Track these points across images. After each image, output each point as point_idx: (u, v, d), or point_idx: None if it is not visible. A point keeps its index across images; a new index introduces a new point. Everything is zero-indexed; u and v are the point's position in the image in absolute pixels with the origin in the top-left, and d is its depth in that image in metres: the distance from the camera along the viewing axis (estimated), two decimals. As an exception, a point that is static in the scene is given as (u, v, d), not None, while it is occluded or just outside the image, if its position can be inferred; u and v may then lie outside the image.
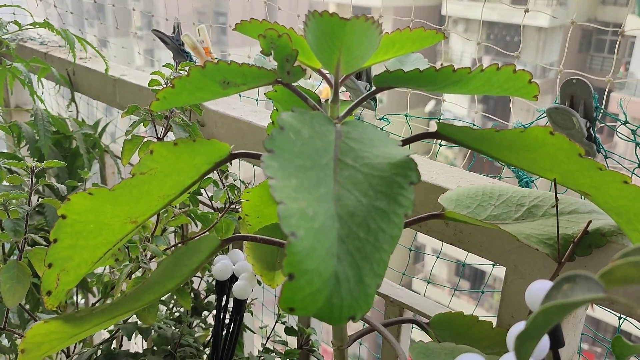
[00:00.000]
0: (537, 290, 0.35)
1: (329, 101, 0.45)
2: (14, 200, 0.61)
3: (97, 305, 0.80)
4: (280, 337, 0.84)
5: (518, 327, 0.32)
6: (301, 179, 0.34)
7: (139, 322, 0.70)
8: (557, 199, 0.45)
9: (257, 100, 0.86)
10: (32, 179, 0.62)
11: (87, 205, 0.43)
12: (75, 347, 0.76)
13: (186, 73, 0.40)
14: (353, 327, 0.56)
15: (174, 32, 0.91)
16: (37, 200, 0.70)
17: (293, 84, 0.44)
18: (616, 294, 0.23)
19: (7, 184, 0.90)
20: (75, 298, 0.88)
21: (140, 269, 0.66)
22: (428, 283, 0.72)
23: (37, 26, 0.93)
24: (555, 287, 0.25)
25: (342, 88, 0.57)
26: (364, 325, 0.57)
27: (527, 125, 0.55)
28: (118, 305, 0.45)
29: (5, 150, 1.38)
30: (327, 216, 0.33)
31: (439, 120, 0.65)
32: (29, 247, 0.61)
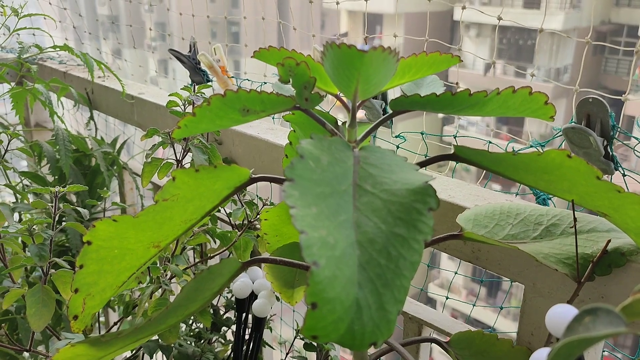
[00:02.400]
0: (558, 314, 0.35)
1: (347, 125, 0.45)
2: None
3: (118, 323, 0.81)
4: (299, 352, 0.84)
5: (539, 354, 0.32)
6: (321, 206, 0.35)
7: (160, 340, 0.71)
8: (575, 219, 0.45)
9: (273, 118, 0.87)
10: (55, 204, 0.63)
11: (112, 231, 0.43)
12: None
13: (207, 102, 0.41)
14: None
15: (190, 51, 0.92)
16: (59, 219, 0.71)
17: (311, 109, 0.45)
18: (637, 327, 0.23)
19: (27, 203, 0.91)
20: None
21: (161, 289, 0.67)
22: (447, 299, 0.72)
23: (58, 49, 0.95)
24: (577, 320, 0.25)
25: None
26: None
27: (544, 144, 0.55)
28: (143, 329, 0.46)
29: (25, 167, 1.41)
30: (347, 243, 0.33)
31: (454, 137, 0.65)
32: (53, 270, 0.62)
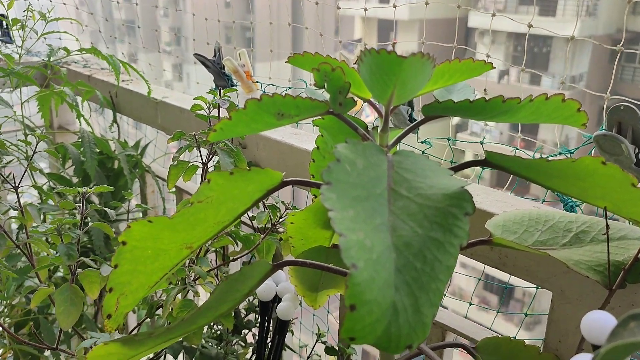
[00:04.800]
0: (595, 320, 0.35)
1: (379, 130, 0.46)
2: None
3: (141, 324, 0.82)
4: (320, 356, 0.84)
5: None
6: (358, 209, 0.35)
7: (185, 342, 0.72)
8: (607, 226, 0.45)
9: (297, 123, 0.87)
10: (82, 205, 0.64)
11: (146, 232, 0.44)
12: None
13: (243, 106, 0.42)
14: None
15: (214, 56, 0.93)
16: (85, 222, 0.72)
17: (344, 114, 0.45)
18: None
19: (52, 203, 0.93)
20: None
21: (184, 290, 0.68)
22: (470, 304, 0.72)
23: (84, 52, 0.97)
24: (621, 325, 0.25)
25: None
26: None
27: (572, 151, 0.55)
28: (174, 329, 0.46)
29: (45, 166, 1.43)
30: (384, 247, 0.34)
31: (481, 143, 0.65)
32: (80, 270, 0.63)
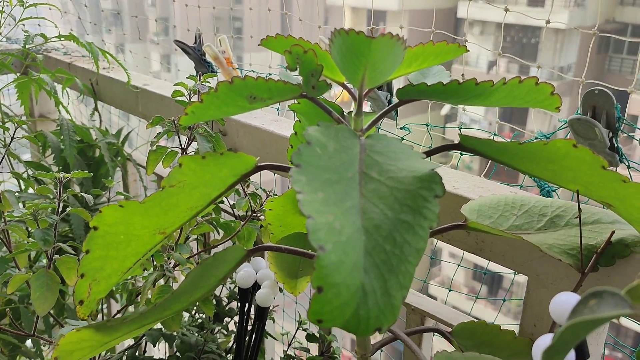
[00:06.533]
0: (562, 302, 0.35)
1: (353, 114, 0.45)
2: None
3: (121, 311, 0.81)
4: (301, 343, 0.85)
5: (544, 340, 0.32)
6: (328, 192, 0.35)
7: (164, 329, 0.71)
8: (580, 210, 0.45)
9: (278, 110, 0.87)
10: (60, 190, 0.63)
11: (118, 217, 0.44)
12: (100, 354, 0.77)
13: (214, 88, 0.41)
14: (377, 335, 0.56)
15: (195, 43, 0.92)
16: (63, 209, 0.72)
17: (317, 98, 0.45)
18: (643, 309, 0.24)
19: (32, 191, 0.92)
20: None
21: (164, 277, 0.67)
22: (449, 291, 0.72)
23: (63, 39, 0.96)
24: (582, 303, 0.25)
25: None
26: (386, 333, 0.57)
27: (548, 136, 0.55)
28: (147, 315, 0.46)
29: (29, 157, 1.41)
30: (353, 229, 0.33)
31: (459, 129, 0.65)
32: (57, 256, 0.63)
